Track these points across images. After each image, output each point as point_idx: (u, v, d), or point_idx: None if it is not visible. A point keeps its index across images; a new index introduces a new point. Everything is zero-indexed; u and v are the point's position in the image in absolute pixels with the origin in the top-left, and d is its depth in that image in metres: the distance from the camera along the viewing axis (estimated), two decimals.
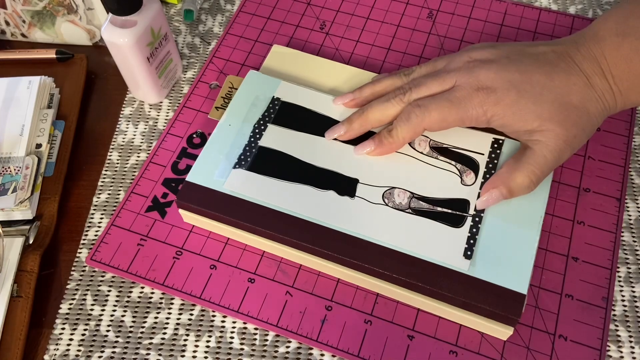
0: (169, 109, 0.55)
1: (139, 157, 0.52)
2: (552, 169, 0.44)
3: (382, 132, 0.46)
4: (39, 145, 0.50)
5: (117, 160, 0.52)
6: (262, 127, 0.48)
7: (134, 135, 0.53)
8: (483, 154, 0.46)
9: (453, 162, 0.46)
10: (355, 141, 0.47)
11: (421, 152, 0.47)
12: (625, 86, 0.43)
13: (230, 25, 0.59)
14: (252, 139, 0.48)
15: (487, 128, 0.46)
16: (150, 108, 0.55)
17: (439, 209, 0.44)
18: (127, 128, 0.54)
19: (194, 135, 0.52)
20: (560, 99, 0.43)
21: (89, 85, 0.57)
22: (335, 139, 0.47)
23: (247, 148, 0.47)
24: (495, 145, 0.47)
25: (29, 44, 0.60)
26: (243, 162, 0.46)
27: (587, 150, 0.51)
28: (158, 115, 0.55)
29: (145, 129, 0.54)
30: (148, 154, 0.52)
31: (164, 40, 0.52)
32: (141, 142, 0.53)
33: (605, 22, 0.45)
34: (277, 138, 0.48)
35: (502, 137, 0.47)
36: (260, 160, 0.47)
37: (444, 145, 0.47)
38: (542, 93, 0.43)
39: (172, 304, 0.45)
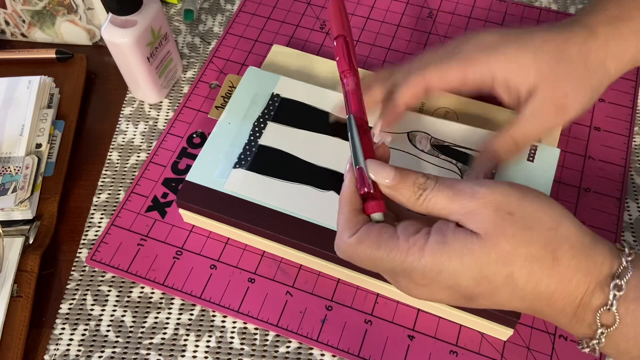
0: (169, 109, 0.55)
1: (139, 157, 0.52)
2: (554, 123, 0.44)
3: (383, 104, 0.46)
4: (39, 145, 0.50)
5: (117, 160, 0.52)
6: (262, 125, 0.48)
7: (134, 135, 0.53)
8: None
9: (454, 161, 0.46)
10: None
11: (422, 150, 0.47)
12: (635, 27, 0.43)
13: (230, 25, 0.59)
14: (252, 138, 0.48)
15: (486, 123, 0.46)
16: (150, 108, 0.55)
17: None
18: (127, 128, 0.54)
19: (194, 135, 0.52)
20: (559, 49, 0.43)
21: (89, 85, 0.57)
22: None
23: (247, 147, 0.47)
24: None
25: (29, 43, 0.60)
26: (243, 162, 0.46)
27: (587, 150, 0.51)
28: (158, 115, 0.55)
29: (145, 128, 0.54)
30: (148, 153, 0.52)
31: (164, 40, 0.52)
32: (141, 142, 0.53)
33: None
34: (277, 136, 0.48)
35: None
36: (260, 159, 0.47)
37: (445, 143, 0.47)
38: (541, 46, 0.43)
39: (172, 304, 0.45)
